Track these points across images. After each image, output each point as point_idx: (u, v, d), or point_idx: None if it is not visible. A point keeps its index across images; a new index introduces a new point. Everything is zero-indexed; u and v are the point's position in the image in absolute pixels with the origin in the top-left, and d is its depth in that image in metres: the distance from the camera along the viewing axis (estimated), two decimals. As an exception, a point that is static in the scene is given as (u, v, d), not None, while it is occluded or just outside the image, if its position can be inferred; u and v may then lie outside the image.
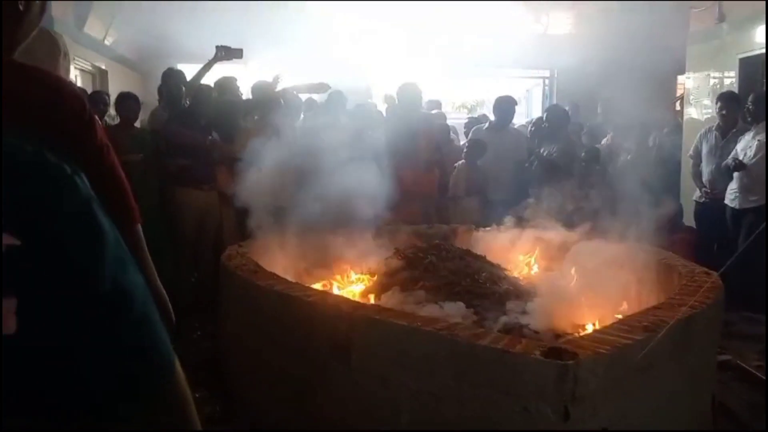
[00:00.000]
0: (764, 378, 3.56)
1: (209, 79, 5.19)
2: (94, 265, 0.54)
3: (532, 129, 6.46)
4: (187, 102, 4.96)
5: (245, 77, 5.99)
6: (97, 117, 1.08)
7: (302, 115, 5.71)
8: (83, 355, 0.53)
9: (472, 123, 6.78)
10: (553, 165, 5.39)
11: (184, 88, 4.97)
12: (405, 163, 4.92)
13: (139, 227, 1.31)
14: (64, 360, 0.51)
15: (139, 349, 0.57)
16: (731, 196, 5.23)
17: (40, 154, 0.54)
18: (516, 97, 6.34)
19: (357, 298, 3.29)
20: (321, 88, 5.38)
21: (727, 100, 5.47)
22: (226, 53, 4.96)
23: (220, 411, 3.14)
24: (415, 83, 5.49)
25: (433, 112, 6.98)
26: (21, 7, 0.87)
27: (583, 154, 5.80)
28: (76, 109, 1.03)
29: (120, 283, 0.55)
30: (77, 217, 0.54)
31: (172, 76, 5.14)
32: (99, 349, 0.53)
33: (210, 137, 4.82)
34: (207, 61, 4.98)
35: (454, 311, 2.93)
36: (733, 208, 5.22)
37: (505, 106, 5.95)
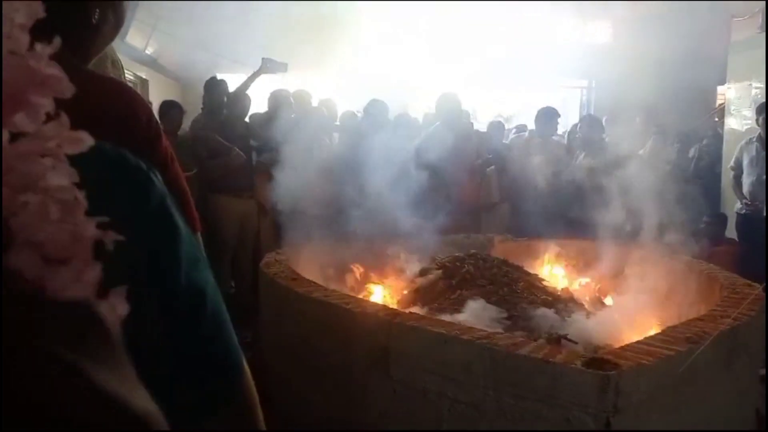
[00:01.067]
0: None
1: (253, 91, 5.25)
2: (172, 261, 0.55)
3: (567, 138, 6.43)
4: (224, 111, 5.03)
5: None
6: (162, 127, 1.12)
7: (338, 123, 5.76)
8: (162, 353, 0.53)
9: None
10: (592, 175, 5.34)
11: (226, 98, 5.05)
12: (449, 173, 4.92)
13: (199, 235, 1.35)
14: (143, 359, 0.52)
15: (214, 346, 0.58)
16: (774, 207, 5.13)
17: (121, 153, 0.56)
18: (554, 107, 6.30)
19: (395, 306, 3.31)
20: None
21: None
22: (271, 66, 5.02)
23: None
24: (455, 93, 5.50)
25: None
26: (94, 20, 0.90)
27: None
28: (145, 119, 1.06)
29: (194, 280, 0.56)
30: (156, 214, 0.55)
31: (215, 86, 5.24)
32: (176, 347, 0.54)
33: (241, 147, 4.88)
34: (251, 73, 5.05)
35: (494, 314, 2.93)
36: (775, 220, 5.12)
37: (548, 117, 5.90)
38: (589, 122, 6.23)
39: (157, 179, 0.57)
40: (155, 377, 0.53)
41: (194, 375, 0.56)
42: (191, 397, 0.56)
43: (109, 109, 0.99)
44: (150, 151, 1.06)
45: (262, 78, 5.16)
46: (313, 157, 4.49)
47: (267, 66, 5.02)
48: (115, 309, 0.39)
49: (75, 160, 0.52)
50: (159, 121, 1.11)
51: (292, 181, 4.83)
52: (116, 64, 1.83)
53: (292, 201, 4.68)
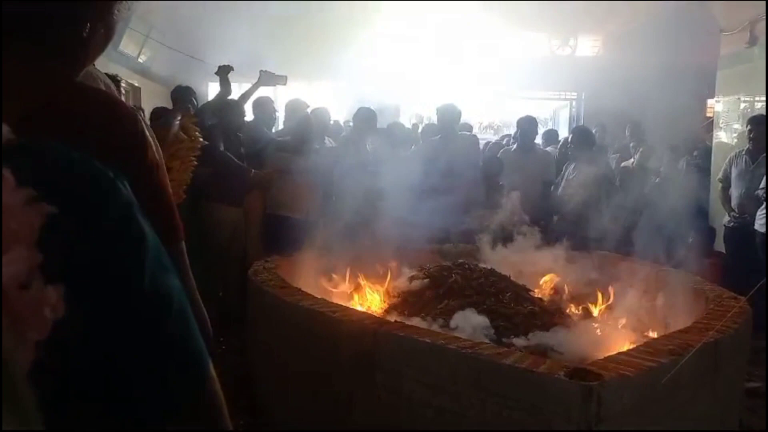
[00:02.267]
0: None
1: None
2: (135, 267, 0.56)
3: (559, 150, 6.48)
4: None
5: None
6: (149, 135, 1.12)
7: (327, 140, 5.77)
8: (123, 355, 0.54)
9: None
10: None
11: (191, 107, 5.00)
12: (446, 183, 4.93)
13: (183, 244, 1.35)
14: (104, 361, 0.53)
15: (179, 349, 0.59)
16: (761, 221, 5.16)
17: (87, 160, 0.57)
18: (543, 119, 6.37)
19: (382, 315, 3.31)
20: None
21: (757, 124, 5.42)
22: (270, 79, 5.01)
23: (244, 425, 3.17)
24: (454, 104, 5.53)
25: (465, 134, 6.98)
26: (85, 34, 0.91)
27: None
28: (130, 128, 1.07)
29: (159, 286, 0.58)
30: (120, 220, 0.57)
31: (182, 93, 5.21)
32: (139, 350, 0.55)
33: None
34: (251, 85, 5.06)
35: (480, 324, 2.95)
36: (762, 234, 5.15)
37: (527, 126, 5.95)
38: (580, 134, 6.28)
39: (124, 187, 0.59)
40: (117, 379, 0.54)
41: (158, 377, 0.57)
42: (155, 399, 0.57)
43: (94, 119, 1.00)
44: (135, 159, 1.06)
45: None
46: (305, 165, 4.49)
47: (265, 78, 5.01)
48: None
49: (40, 166, 0.53)
50: (146, 131, 1.11)
51: (284, 189, 4.85)
52: (109, 88, 1.83)
53: (284, 210, 4.70)
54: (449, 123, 5.43)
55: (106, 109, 1.04)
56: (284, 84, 5.10)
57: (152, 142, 1.14)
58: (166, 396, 0.58)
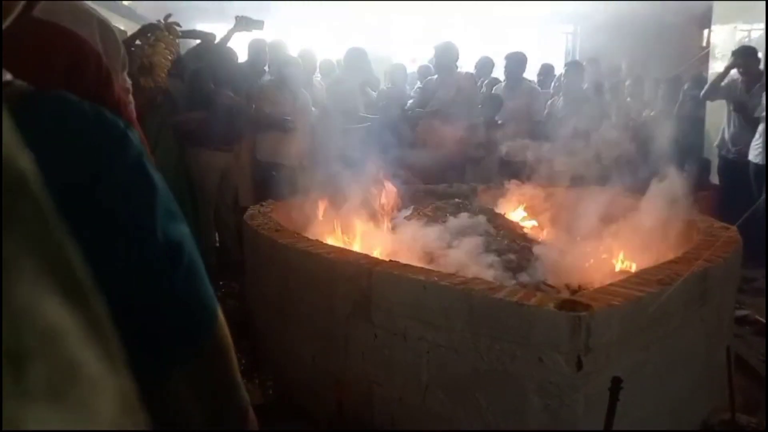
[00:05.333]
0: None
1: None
2: (148, 216, 0.56)
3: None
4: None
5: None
6: (112, 73, 1.12)
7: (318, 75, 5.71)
8: (135, 305, 0.54)
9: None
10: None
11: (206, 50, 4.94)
12: (445, 124, 4.91)
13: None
14: (115, 311, 0.54)
15: (190, 296, 0.59)
16: (755, 151, 5.16)
17: (99, 110, 0.57)
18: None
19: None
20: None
21: (747, 55, 5.34)
22: (247, 24, 4.90)
23: (245, 364, 3.25)
24: (452, 42, 5.45)
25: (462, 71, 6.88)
26: None
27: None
28: (94, 66, 1.06)
29: (170, 234, 0.58)
30: (132, 171, 0.56)
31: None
32: (151, 299, 0.56)
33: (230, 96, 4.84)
34: (228, 31, 4.96)
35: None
36: (756, 164, 5.16)
37: (513, 62, 5.88)
38: (572, 69, 6.23)
39: (134, 135, 0.58)
40: (127, 328, 0.55)
41: (169, 325, 0.58)
42: (166, 346, 0.58)
43: (57, 56, 0.99)
44: (100, 97, 1.06)
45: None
46: (294, 109, 4.46)
47: (242, 24, 4.90)
48: None
49: (51, 117, 0.53)
50: (110, 70, 1.11)
51: (273, 135, 4.83)
52: (108, 29, 1.78)
53: (273, 155, 4.68)
54: (447, 62, 5.36)
55: (68, 47, 1.03)
56: (261, 29, 4.96)
57: (114, 80, 1.13)
58: (178, 343, 0.58)
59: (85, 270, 0.32)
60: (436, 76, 5.56)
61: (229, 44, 4.95)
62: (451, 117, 4.95)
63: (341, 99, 4.95)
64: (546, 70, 7.35)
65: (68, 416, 0.25)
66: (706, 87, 5.81)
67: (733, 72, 5.56)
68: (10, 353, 0.24)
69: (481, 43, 8.81)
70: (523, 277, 3.02)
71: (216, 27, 5.17)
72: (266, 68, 5.35)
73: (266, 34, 5.38)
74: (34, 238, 0.28)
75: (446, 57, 5.36)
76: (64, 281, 0.29)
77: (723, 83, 5.63)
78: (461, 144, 5.07)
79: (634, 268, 3.16)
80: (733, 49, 5.67)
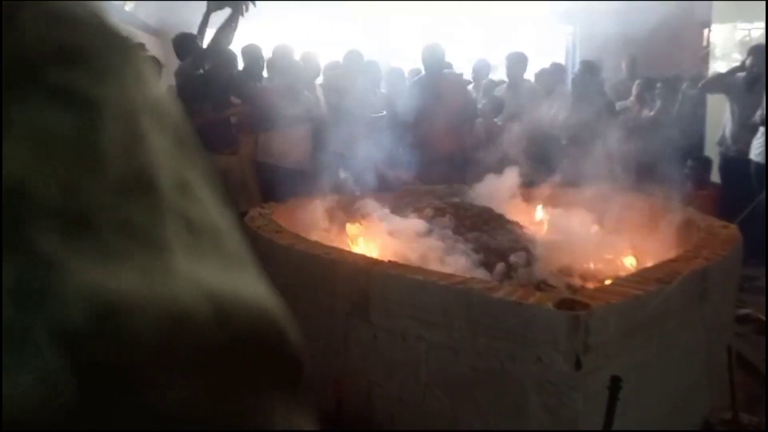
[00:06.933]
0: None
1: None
2: None
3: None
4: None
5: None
6: None
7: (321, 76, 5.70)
8: None
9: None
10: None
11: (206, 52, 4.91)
12: (431, 125, 4.91)
13: None
14: None
15: None
16: (757, 150, 5.15)
17: None
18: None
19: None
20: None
21: (759, 54, 5.30)
22: (218, 5, 4.72)
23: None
24: (438, 43, 5.43)
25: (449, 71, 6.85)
26: None
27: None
28: None
29: None
30: None
31: (185, 40, 5.11)
32: None
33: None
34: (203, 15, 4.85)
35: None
36: (757, 163, 5.14)
37: (514, 63, 5.87)
38: (586, 69, 6.21)
39: None
40: None
41: None
42: None
43: None
44: None
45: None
46: (295, 112, 4.46)
47: (213, 5, 4.75)
48: None
49: None
50: None
51: (274, 137, 4.83)
52: None
53: (274, 157, 4.68)
54: (432, 63, 5.33)
55: None
56: (238, 10, 4.66)
57: None
58: None
59: None
60: (422, 74, 5.53)
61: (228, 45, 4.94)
62: (435, 120, 4.94)
63: (342, 99, 4.94)
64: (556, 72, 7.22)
65: None
66: (706, 79, 5.80)
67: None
68: None
69: (481, 44, 8.81)
70: (523, 277, 3.02)
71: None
72: (264, 73, 5.33)
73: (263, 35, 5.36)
74: None
75: (432, 58, 5.33)
76: None
77: (729, 78, 5.59)
78: (450, 146, 5.07)
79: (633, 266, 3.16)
80: (740, 48, 5.66)
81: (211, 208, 0.30)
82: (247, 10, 4.70)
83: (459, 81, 5.91)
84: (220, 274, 0.28)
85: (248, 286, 0.30)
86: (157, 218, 0.26)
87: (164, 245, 0.26)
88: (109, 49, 0.29)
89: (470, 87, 6.33)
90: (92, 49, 0.28)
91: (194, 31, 5.12)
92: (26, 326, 0.22)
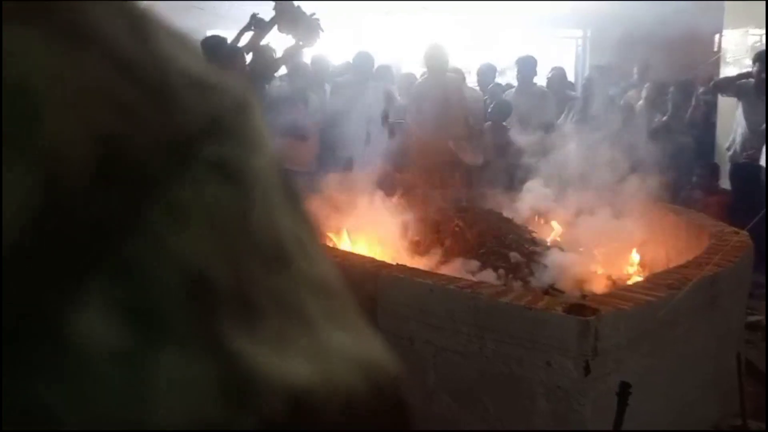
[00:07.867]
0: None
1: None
2: None
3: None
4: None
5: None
6: None
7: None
8: None
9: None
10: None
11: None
12: (433, 130, 4.89)
13: None
14: None
15: None
16: (767, 156, 5.11)
17: None
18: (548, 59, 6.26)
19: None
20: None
21: (764, 61, 5.27)
22: (258, 24, 4.72)
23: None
24: (441, 45, 5.41)
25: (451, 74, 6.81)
26: None
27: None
28: None
29: None
30: None
31: (216, 44, 5.10)
32: None
33: None
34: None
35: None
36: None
37: (524, 66, 5.86)
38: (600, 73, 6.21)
39: None
40: None
41: None
42: None
43: None
44: None
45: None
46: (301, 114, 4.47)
47: (254, 23, 4.80)
48: None
49: None
50: None
51: (285, 141, 4.84)
52: None
53: (285, 161, 4.65)
54: (435, 66, 5.31)
55: None
56: (311, 44, 4.42)
57: None
58: None
59: None
60: (425, 77, 5.51)
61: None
62: (437, 121, 4.91)
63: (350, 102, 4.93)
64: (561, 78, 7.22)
65: None
66: (719, 78, 5.77)
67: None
68: None
69: (487, 49, 8.80)
70: (532, 282, 3.01)
71: (227, 33, 5.15)
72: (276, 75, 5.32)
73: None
74: None
75: (435, 59, 5.30)
76: None
77: (740, 81, 5.54)
78: (447, 150, 5.04)
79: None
80: (752, 53, 5.63)
81: (322, 262, 0.29)
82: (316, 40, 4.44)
83: (462, 83, 5.89)
84: (354, 335, 0.28)
85: (373, 344, 0.29)
86: (299, 290, 0.26)
87: (311, 320, 0.26)
88: (243, 113, 0.27)
89: (478, 90, 6.33)
90: (232, 116, 0.26)
91: (197, 32, 5.10)
92: (234, 424, 0.22)
